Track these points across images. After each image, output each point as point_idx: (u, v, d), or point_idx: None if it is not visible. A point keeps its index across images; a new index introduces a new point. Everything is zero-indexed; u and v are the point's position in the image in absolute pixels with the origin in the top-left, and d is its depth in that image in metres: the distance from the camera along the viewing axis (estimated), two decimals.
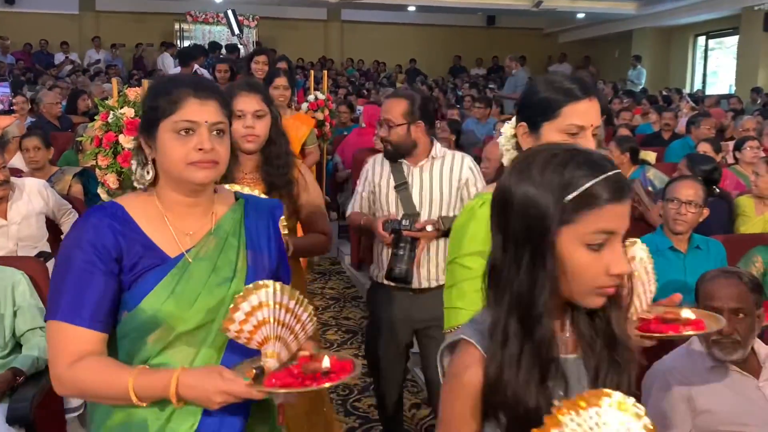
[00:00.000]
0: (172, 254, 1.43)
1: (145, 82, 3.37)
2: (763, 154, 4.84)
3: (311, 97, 5.51)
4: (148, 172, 1.46)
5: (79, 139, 4.39)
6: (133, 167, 1.50)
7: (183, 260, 1.43)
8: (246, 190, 1.88)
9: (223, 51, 12.13)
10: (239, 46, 11.37)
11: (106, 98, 3.39)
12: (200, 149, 1.40)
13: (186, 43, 15.03)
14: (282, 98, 4.47)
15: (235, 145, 1.99)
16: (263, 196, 1.95)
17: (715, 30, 15.37)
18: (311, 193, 2.52)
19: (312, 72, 6.81)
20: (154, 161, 1.46)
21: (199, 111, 1.42)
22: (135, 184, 1.51)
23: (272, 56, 5.58)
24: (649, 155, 5.52)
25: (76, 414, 3.18)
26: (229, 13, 11.34)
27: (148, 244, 1.42)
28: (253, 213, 1.55)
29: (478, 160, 4.79)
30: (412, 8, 16.24)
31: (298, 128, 4.47)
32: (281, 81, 4.54)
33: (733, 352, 2.06)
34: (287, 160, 2.44)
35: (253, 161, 2.43)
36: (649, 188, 4.15)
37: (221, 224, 1.49)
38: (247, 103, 2.37)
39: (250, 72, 5.59)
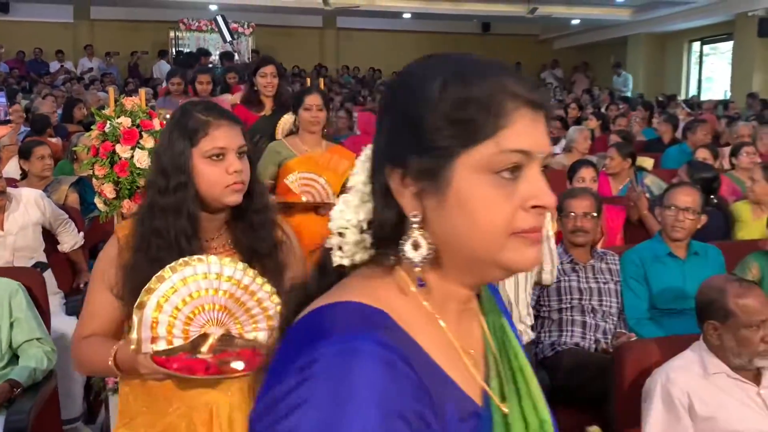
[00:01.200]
0: (475, 397, 0.80)
1: (142, 91, 3.37)
2: (759, 160, 4.85)
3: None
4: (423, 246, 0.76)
5: (74, 148, 4.37)
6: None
7: (496, 409, 0.81)
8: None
9: (214, 58, 11.95)
10: (233, 52, 11.29)
11: (102, 107, 3.38)
12: None
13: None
14: (315, 125, 3.38)
15: (207, 199, 1.58)
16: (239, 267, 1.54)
17: (710, 36, 15.43)
18: (297, 259, 1.74)
19: (309, 79, 6.80)
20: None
21: None
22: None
23: (280, 67, 4.52)
24: (647, 161, 5.53)
25: (74, 425, 3.17)
26: (219, 19, 11.10)
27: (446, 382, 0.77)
28: None
29: None
30: (407, 15, 16.28)
31: (338, 163, 3.38)
32: (314, 100, 3.36)
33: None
34: (269, 216, 1.70)
35: (218, 221, 1.66)
36: (647, 195, 4.16)
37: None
38: (230, 138, 1.60)
39: (254, 87, 4.32)
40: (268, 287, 1.54)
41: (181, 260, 1.49)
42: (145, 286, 1.47)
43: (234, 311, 1.52)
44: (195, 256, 1.51)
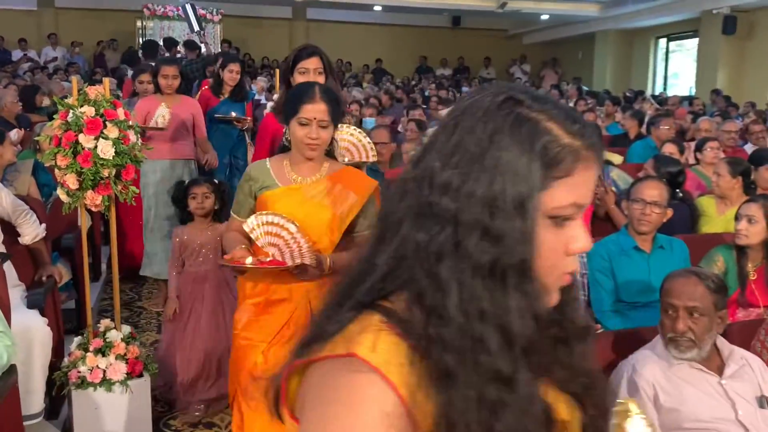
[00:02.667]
0: None
1: (106, 80, 3.30)
2: (723, 155, 4.92)
3: (276, 97, 5.46)
4: None
5: (36, 138, 4.27)
6: None
7: None
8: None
9: (181, 48, 11.12)
10: (200, 43, 10.53)
11: (66, 97, 3.30)
12: None
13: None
14: (312, 148, 2.34)
15: None
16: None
17: (676, 33, 15.65)
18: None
19: (278, 71, 6.72)
20: None
21: None
22: None
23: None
24: (615, 157, 5.58)
25: (35, 421, 3.10)
26: (188, 7, 10.29)
27: None
28: None
29: None
30: (378, 8, 16.23)
31: (342, 198, 2.40)
32: (315, 112, 2.30)
33: (688, 351, 2.11)
34: None
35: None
36: (613, 189, 4.20)
37: None
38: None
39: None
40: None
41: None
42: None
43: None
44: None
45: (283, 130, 2.61)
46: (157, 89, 4.91)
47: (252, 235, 2.25)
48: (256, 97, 8.93)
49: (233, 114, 5.41)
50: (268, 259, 2.25)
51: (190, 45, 10.42)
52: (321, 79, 2.85)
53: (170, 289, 3.56)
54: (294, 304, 2.38)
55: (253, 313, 2.45)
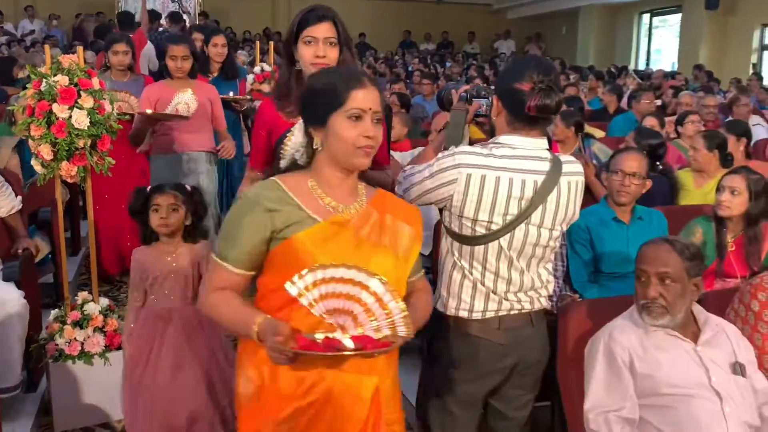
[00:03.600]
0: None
1: (80, 49, 3.23)
2: (703, 129, 4.94)
3: (257, 69, 5.38)
4: None
5: (9, 108, 4.19)
6: None
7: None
8: None
9: (163, 21, 10.23)
10: (182, 13, 10.16)
11: (40, 66, 3.23)
12: None
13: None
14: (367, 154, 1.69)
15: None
16: None
17: (659, 8, 15.64)
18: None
19: (258, 44, 6.65)
20: None
21: None
22: None
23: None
24: (596, 131, 5.59)
25: (12, 394, 3.08)
26: None
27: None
28: None
29: (427, 134, 4.79)
30: None
31: (397, 232, 1.78)
32: (372, 96, 1.70)
33: (660, 318, 2.12)
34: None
35: None
36: (594, 162, 4.21)
37: None
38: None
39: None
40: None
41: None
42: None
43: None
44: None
45: (284, 122, 2.17)
46: (162, 72, 4.26)
47: (302, 300, 1.51)
48: None
49: (231, 94, 4.85)
50: (346, 337, 1.51)
51: (175, 17, 9.42)
52: (333, 53, 2.23)
53: (125, 328, 2.73)
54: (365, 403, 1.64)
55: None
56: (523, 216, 1.97)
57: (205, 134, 4.26)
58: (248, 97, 4.96)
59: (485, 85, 2.28)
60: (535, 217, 1.98)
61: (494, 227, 1.97)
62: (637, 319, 2.18)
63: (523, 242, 2.00)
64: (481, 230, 1.98)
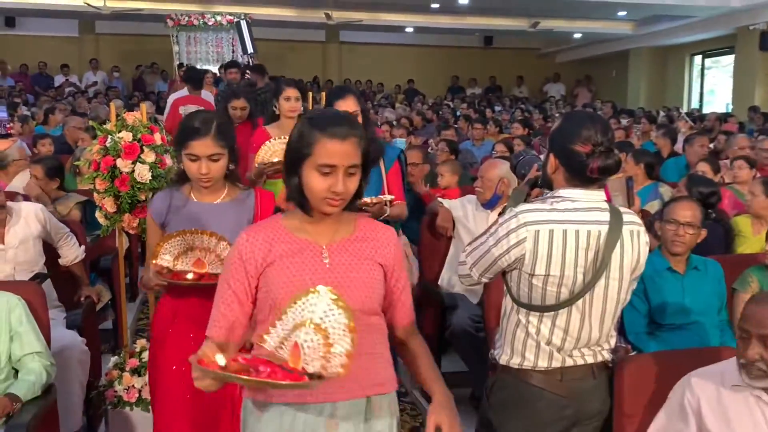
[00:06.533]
0: None
1: (143, 105, 3.39)
2: (758, 174, 4.85)
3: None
4: None
5: (76, 162, 4.39)
6: None
7: None
8: None
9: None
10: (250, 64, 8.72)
11: (105, 122, 3.39)
12: None
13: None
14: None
15: None
16: None
17: (711, 49, 15.47)
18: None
19: (310, 93, 6.79)
20: None
21: None
22: None
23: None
24: None
25: None
26: (243, 24, 8.64)
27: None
28: None
29: (474, 180, 4.82)
30: (409, 29, 16.36)
31: None
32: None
33: (759, 380, 1.98)
34: None
35: None
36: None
37: None
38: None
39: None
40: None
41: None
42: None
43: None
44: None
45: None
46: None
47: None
48: None
49: None
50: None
51: (258, 70, 8.18)
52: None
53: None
54: None
55: None
56: (602, 268, 1.97)
57: None
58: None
59: None
60: (613, 268, 1.99)
61: (568, 281, 1.98)
62: (732, 372, 2.04)
63: (603, 297, 2.01)
64: (552, 289, 1.99)
